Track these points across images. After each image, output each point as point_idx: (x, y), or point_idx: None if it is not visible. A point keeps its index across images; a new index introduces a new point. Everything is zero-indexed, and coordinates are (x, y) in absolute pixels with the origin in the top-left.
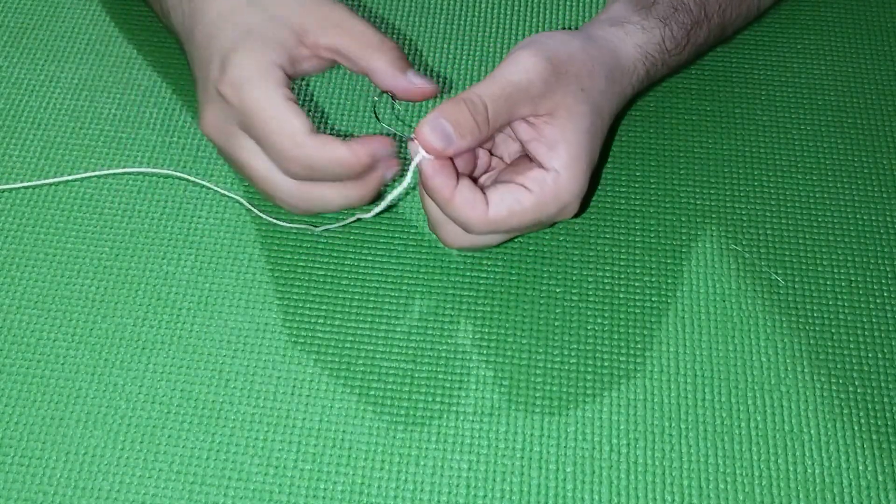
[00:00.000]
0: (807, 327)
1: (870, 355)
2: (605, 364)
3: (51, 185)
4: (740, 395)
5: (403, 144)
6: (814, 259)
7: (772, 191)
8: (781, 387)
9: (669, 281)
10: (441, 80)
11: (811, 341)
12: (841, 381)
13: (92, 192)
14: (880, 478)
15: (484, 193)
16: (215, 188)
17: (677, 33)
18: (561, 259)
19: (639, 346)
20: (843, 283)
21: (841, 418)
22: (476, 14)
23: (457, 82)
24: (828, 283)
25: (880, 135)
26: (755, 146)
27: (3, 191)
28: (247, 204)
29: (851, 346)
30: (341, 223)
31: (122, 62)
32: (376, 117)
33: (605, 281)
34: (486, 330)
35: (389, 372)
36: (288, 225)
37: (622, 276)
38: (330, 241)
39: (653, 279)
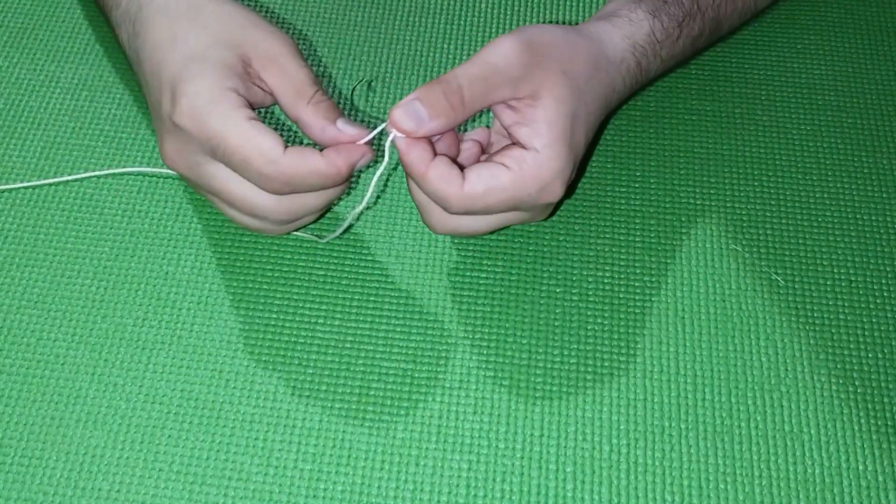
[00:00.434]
0: (807, 327)
1: (870, 355)
2: (605, 364)
3: (51, 185)
4: (740, 395)
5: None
6: (814, 259)
7: (772, 191)
8: (781, 387)
9: (670, 281)
10: None
11: (811, 341)
12: (841, 381)
13: (92, 192)
14: (880, 478)
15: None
16: None
17: (668, 25)
18: (561, 259)
19: (639, 346)
20: (843, 283)
21: (841, 418)
22: (476, 14)
23: None
24: (828, 283)
25: (880, 135)
26: (755, 146)
27: (3, 191)
28: None
29: (851, 346)
30: (341, 229)
31: (122, 62)
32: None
33: (605, 281)
34: (486, 330)
35: (389, 372)
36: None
37: (622, 276)
38: (330, 242)
39: (653, 279)
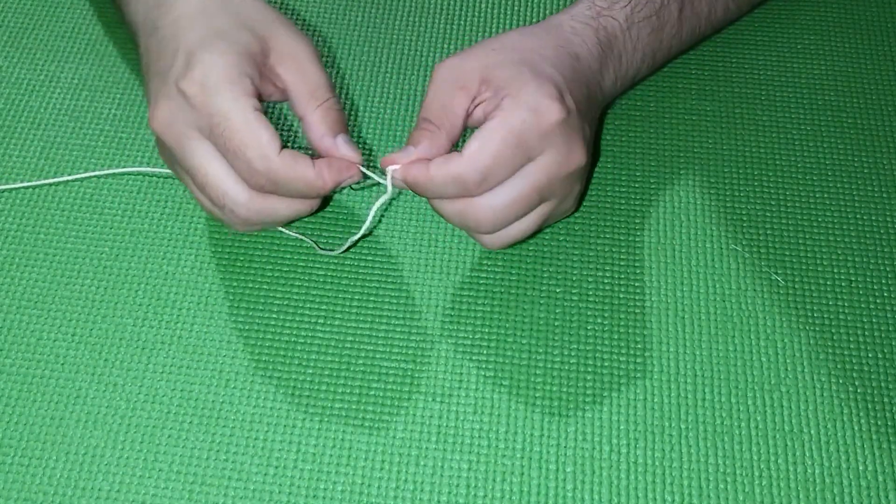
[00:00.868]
0: (807, 327)
1: (870, 355)
2: (605, 364)
3: (51, 185)
4: (740, 395)
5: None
6: (814, 259)
7: (772, 191)
8: (781, 387)
9: (669, 281)
10: None
11: (811, 341)
12: (841, 381)
13: (92, 192)
14: (880, 478)
15: None
16: None
17: None
18: (561, 259)
19: (639, 346)
20: (843, 283)
21: (841, 418)
22: (476, 14)
23: None
24: (828, 283)
25: (880, 135)
26: (755, 146)
27: (3, 191)
28: None
29: (851, 346)
30: (341, 249)
31: (122, 62)
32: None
33: (605, 281)
34: (486, 330)
35: (389, 372)
36: (289, 233)
37: (622, 276)
38: (329, 242)
39: (653, 279)
